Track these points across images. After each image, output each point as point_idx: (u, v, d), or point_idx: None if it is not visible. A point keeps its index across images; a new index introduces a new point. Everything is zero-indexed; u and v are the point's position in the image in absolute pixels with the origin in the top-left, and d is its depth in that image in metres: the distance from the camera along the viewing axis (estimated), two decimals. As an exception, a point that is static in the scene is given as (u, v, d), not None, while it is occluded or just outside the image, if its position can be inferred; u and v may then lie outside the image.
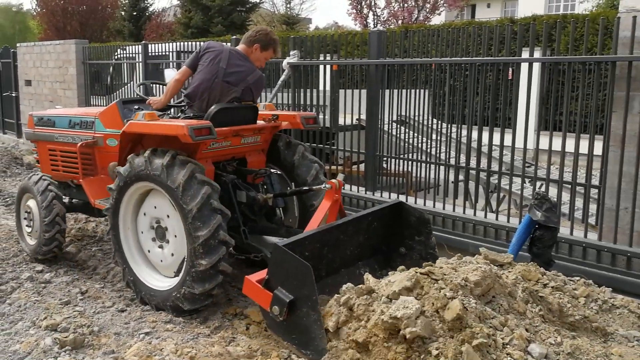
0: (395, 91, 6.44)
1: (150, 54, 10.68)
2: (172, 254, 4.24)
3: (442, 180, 6.14)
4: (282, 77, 7.18)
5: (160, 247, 4.34)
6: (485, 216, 5.53)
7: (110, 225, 4.49)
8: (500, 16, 28.31)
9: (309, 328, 3.24)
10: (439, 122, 6.47)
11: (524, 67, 5.21)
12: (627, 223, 4.46)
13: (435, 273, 3.24)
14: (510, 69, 5.72)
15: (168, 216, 4.20)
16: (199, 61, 4.56)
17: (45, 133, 5.58)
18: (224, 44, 4.83)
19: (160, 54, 10.88)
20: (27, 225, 5.40)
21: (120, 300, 4.51)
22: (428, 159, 6.26)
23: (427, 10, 25.56)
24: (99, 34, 33.16)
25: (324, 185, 4.12)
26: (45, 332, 3.88)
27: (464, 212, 5.66)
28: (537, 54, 5.49)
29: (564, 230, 4.85)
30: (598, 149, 4.82)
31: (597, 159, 4.89)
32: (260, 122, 4.77)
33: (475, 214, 5.61)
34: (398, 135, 6.87)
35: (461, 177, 6.27)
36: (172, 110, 5.03)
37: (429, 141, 6.60)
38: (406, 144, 6.92)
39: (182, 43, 10.97)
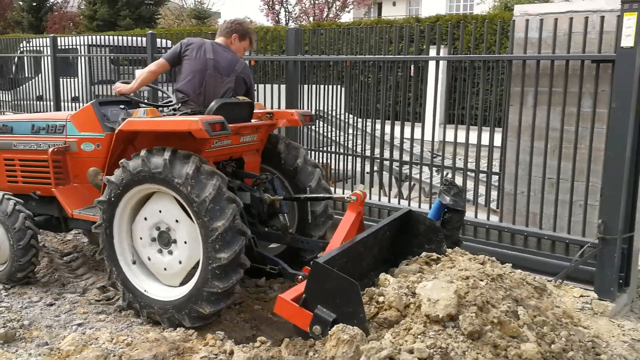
0: (312, 87, 6.70)
1: (59, 47, 10.39)
2: (180, 262, 3.95)
3: (358, 171, 6.48)
4: None
5: (169, 252, 4.00)
6: (399, 202, 5.93)
7: (102, 242, 4.11)
8: (406, 14, 29.36)
9: None
10: (354, 116, 6.82)
11: (432, 65, 5.64)
12: (523, 206, 4.96)
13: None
14: (412, 67, 6.13)
15: (177, 221, 3.90)
16: (182, 56, 4.39)
17: (0, 141, 5.05)
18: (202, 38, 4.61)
19: (69, 47, 10.61)
20: None
21: (47, 295, 4.50)
22: (345, 151, 6.59)
23: (337, 7, 26.11)
24: (-5, 26, 31.36)
25: (347, 197, 4.02)
26: (-27, 329, 3.84)
27: (379, 200, 6.03)
28: (442, 51, 5.93)
29: (469, 214, 5.31)
30: (498, 140, 5.31)
31: (497, 149, 5.38)
32: (254, 120, 4.54)
33: (389, 201, 5.99)
34: (316, 129, 7.16)
35: (375, 167, 6.64)
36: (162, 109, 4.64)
37: (344, 134, 6.94)
38: (323, 138, 7.22)
39: (94, 37, 10.75)
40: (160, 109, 4.56)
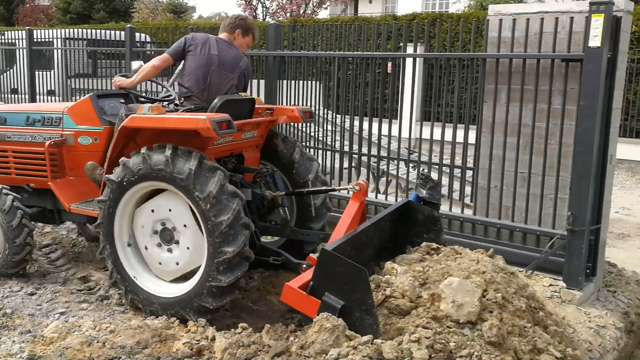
0: (288, 82, 6.77)
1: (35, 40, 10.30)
2: (178, 263, 3.98)
3: (337, 166, 6.60)
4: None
5: (169, 250, 4.00)
6: (376, 197, 6.06)
7: (101, 217, 4.07)
8: (382, 12, 29.58)
9: (363, 333, 3.12)
10: (333, 113, 6.93)
11: (409, 61, 5.76)
12: (496, 199, 5.12)
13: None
14: (389, 63, 6.26)
15: (185, 225, 3.88)
16: (186, 51, 4.39)
17: None
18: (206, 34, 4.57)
19: (45, 40, 10.52)
20: None
21: (28, 285, 4.53)
22: (324, 147, 6.70)
23: (315, 4, 26.22)
24: (-35, 17, 30.77)
25: (351, 187, 4.06)
26: (-45, 318, 3.86)
27: (356, 194, 6.14)
28: (419, 49, 6.06)
29: (444, 208, 5.46)
30: (472, 137, 5.45)
31: (471, 146, 5.53)
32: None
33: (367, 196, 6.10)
34: (295, 124, 7.25)
35: (353, 163, 6.75)
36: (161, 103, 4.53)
37: (323, 130, 7.05)
38: (302, 133, 7.31)
39: (70, 30, 10.68)
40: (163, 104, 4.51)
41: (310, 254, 4.04)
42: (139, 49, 8.30)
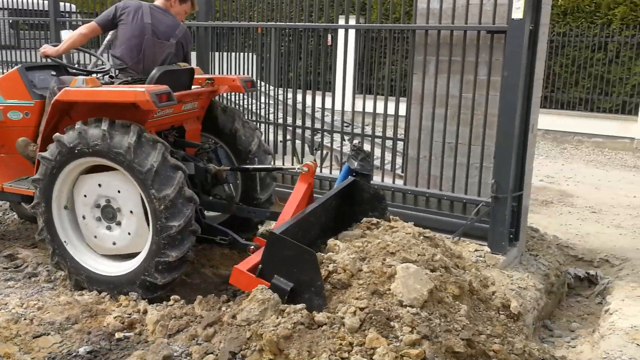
0: (220, 54, 6.69)
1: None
2: (114, 244, 3.89)
3: (272, 139, 6.61)
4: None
5: (108, 228, 3.88)
6: (311, 169, 6.10)
7: (42, 174, 3.85)
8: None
9: None
10: (267, 84, 6.91)
11: (341, 33, 5.79)
12: (425, 169, 5.26)
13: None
14: (330, 36, 6.29)
15: (131, 212, 3.78)
16: (117, 20, 4.20)
17: None
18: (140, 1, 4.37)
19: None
20: None
21: (-51, 265, 4.37)
22: (257, 119, 6.67)
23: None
24: None
25: (298, 167, 3.99)
26: None
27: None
28: (353, 21, 6.09)
29: (376, 179, 5.57)
30: (403, 110, 5.55)
31: (402, 118, 5.64)
32: (195, 87, 4.43)
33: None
34: (228, 97, 7.18)
35: (288, 136, 6.77)
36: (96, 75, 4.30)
37: (257, 102, 7.02)
38: (236, 105, 7.26)
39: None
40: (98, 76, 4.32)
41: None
42: (64, 19, 7.99)
